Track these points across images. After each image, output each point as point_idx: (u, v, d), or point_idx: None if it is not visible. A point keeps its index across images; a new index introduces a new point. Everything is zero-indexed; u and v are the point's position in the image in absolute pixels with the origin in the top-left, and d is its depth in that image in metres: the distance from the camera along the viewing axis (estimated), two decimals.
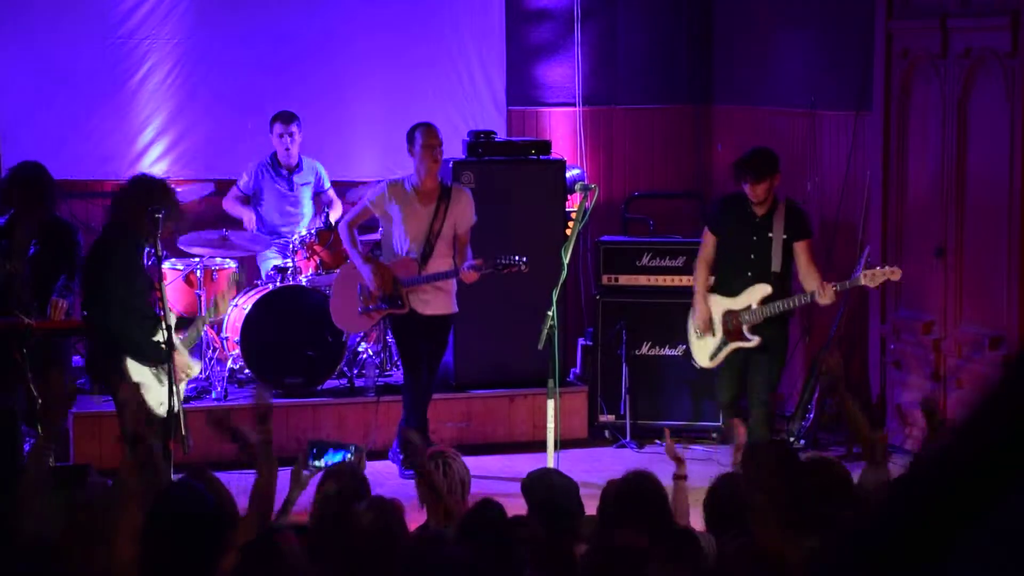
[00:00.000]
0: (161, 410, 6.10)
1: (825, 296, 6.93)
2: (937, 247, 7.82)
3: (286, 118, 8.84)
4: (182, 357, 6.40)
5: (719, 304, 7.31)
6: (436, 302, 7.45)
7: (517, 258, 7.30)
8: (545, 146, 8.62)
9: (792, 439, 8.07)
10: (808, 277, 7.09)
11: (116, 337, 6.21)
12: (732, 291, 7.26)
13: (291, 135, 8.82)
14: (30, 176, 7.35)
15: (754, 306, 7.14)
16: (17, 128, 8.97)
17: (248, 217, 8.86)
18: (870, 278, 6.97)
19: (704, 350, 7.40)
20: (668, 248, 8.70)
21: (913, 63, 8.05)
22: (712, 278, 7.38)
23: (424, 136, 7.37)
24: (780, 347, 7.29)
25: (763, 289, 7.13)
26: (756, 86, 9.56)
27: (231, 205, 8.94)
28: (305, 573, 3.87)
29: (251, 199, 8.96)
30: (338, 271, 7.85)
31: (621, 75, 9.89)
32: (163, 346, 6.09)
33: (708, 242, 7.36)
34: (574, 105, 9.82)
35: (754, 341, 7.18)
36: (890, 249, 8.28)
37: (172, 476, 5.73)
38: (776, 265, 7.13)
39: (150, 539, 3.76)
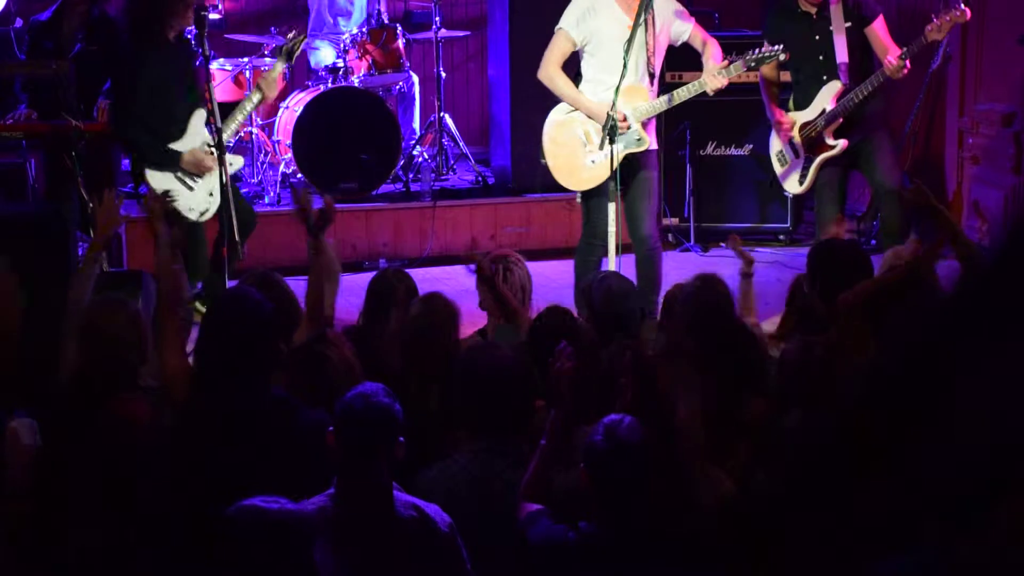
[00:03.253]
0: (191, 215, 5.99)
1: (893, 67, 6.27)
2: (1022, 35, 7.40)
3: None
4: (197, 155, 6.16)
5: (794, 120, 6.69)
6: (648, 136, 6.22)
7: (773, 48, 6.12)
8: None
9: (863, 239, 7.82)
10: (885, 55, 6.43)
11: (129, 145, 6.20)
12: (807, 102, 6.65)
13: None
14: None
15: (828, 107, 6.55)
16: None
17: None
18: (937, 29, 6.27)
19: (793, 175, 6.77)
20: (734, 43, 8.27)
21: None
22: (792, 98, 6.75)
23: None
24: (884, 148, 6.61)
25: (833, 87, 6.55)
26: None
27: None
28: (352, 374, 3.81)
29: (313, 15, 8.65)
30: (545, 130, 6.35)
31: None
32: (182, 153, 6.02)
33: None
34: None
35: (838, 145, 6.55)
36: (971, 38, 7.89)
37: (228, 282, 5.65)
38: (842, 55, 6.52)
39: (206, 345, 3.69)
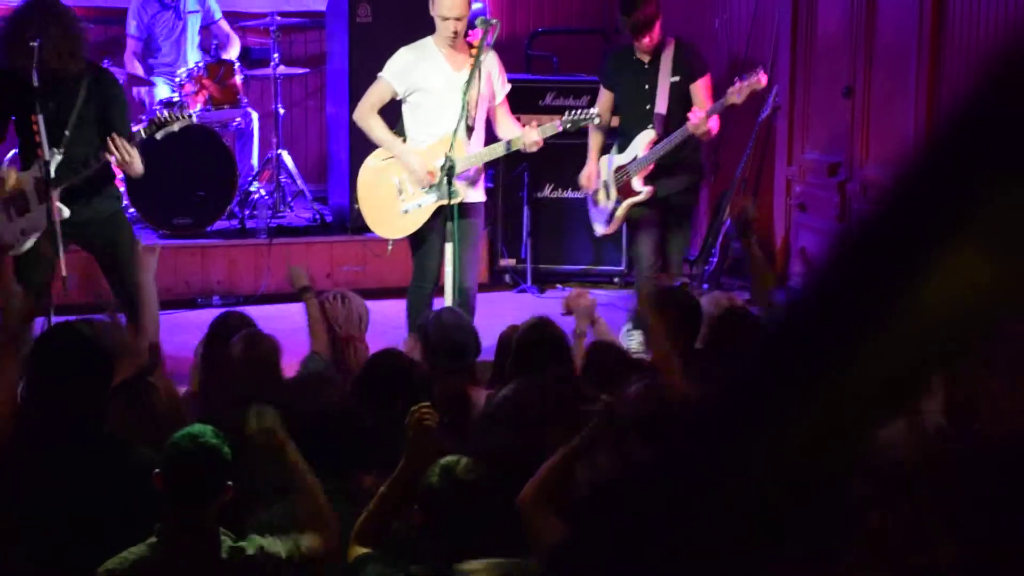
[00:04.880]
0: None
1: (699, 125, 6.41)
2: (845, 87, 7.67)
3: None
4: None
5: (609, 163, 6.82)
6: (476, 186, 6.25)
7: (589, 111, 6.31)
8: None
9: (695, 283, 7.98)
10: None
11: None
12: (625, 148, 6.80)
13: None
14: None
15: (640, 154, 6.68)
16: None
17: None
18: (736, 93, 6.49)
19: (600, 216, 6.95)
20: (572, 87, 8.45)
21: None
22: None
23: (441, 3, 6.02)
24: (686, 212, 6.87)
25: (647, 135, 6.66)
26: None
27: (133, 64, 8.43)
28: (178, 411, 3.76)
29: (145, 47, 8.50)
30: (360, 176, 6.36)
31: None
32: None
33: (603, 98, 6.86)
34: None
35: (644, 191, 6.69)
36: (798, 89, 8.14)
37: (53, 318, 5.50)
38: (661, 107, 6.67)
39: (33, 384, 3.59)
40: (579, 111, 6.35)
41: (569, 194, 8.42)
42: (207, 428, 3.18)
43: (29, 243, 5.74)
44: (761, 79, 6.53)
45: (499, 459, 3.38)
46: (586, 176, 6.92)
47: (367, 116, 6.19)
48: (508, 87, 6.36)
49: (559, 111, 8.22)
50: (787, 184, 8.28)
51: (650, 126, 6.68)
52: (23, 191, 5.76)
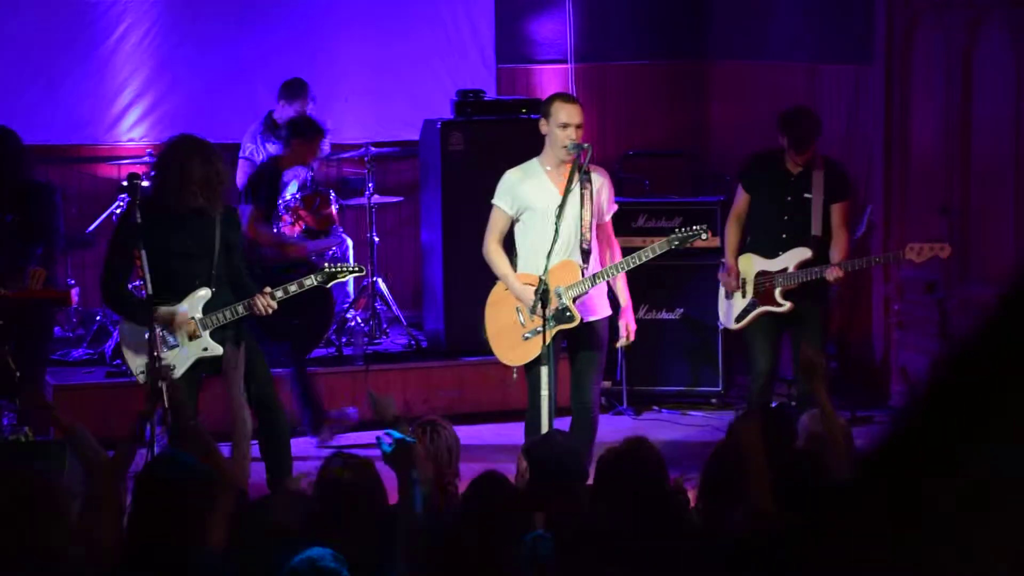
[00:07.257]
0: (140, 377, 5.94)
1: (837, 278, 6.59)
2: (941, 205, 7.59)
3: (306, 89, 8.55)
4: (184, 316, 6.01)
5: (754, 264, 6.83)
6: (597, 304, 6.29)
7: (695, 228, 6.26)
8: (535, 104, 8.37)
9: (794, 403, 7.86)
10: (835, 244, 6.68)
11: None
12: (767, 252, 6.79)
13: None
14: None
15: (791, 269, 6.70)
16: None
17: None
18: (916, 253, 6.52)
19: (732, 311, 6.92)
20: (664, 208, 8.47)
21: (916, 12, 7.81)
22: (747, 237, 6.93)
23: (560, 112, 6.14)
24: (817, 322, 6.80)
25: (802, 253, 6.69)
26: (754, 40, 9.30)
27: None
28: (296, 536, 3.75)
29: None
30: (486, 308, 6.44)
31: (614, 30, 9.64)
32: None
33: (741, 199, 6.88)
34: (566, 62, 9.57)
35: (785, 306, 6.70)
36: (894, 207, 8.08)
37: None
38: (816, 228, 6.67)
39: (136, 513, 3.61)
40: (686, 228, 6.26)
41: (663, 315, 8.40)
42: (326, 552, 3.18)
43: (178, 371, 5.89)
44: (947, 248, 6.56)
45: None
46: (734, 278, 6.81)
47: (489, 249, 6.26)
48: (615, 208, 6.38)
49: (651, 233, 8.27)
50: (885, 302, 8.18)
51: (785, 236, 6.69)
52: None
